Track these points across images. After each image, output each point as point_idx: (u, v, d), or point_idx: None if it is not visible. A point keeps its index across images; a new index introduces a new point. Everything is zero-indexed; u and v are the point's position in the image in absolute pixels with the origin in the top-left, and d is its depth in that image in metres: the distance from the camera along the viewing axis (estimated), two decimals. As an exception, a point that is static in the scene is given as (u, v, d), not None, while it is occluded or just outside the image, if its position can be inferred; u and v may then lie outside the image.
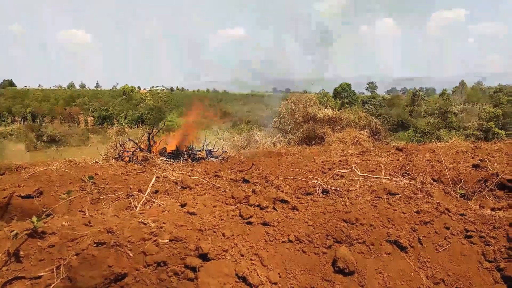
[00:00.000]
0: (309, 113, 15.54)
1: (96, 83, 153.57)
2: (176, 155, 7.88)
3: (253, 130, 16.01)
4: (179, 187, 4.41)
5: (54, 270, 1.99)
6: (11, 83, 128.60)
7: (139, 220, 2.40)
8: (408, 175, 4.70)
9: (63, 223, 2.37)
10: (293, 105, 16.42)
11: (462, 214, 3.05)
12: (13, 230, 2.14)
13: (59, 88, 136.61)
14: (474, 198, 4.09)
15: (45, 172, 5.06)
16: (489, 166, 4.98)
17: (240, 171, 5.92)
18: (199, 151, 8.45)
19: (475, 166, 5.19)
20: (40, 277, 1.95)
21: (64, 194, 3.60)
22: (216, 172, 5.55)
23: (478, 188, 4.38)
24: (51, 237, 2.20)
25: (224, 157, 8.33)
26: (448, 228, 2.86)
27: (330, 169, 5.69)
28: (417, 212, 3.00)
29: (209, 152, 8.58)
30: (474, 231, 2.89)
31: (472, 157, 6.30)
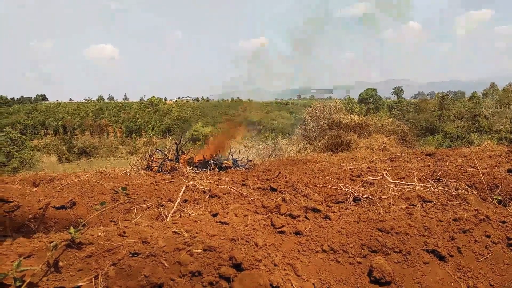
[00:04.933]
0: (335, 119, 15.40)
1: (124, 95, 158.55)
2: (203, 164, 7.97)
3: (277, 138, 16.01)
4: (207, 196, 4.43)
5: (93, 280, 2.03)
6: (44, 98, 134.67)
7: (173, 230, 2.42)
8: (441, 181, 4.54)
9: (99, 233, 2.43)
10: (317, 112, 16.32)
11: (503, 222, 2.91)
12: (53, 241, 2.20)
13: (89, 101, 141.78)
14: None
15: (78, 183, 5.22)
16: (525, 170, 4.76)
17: (267, 179, 5.90)
18: (226, 160, 8.52)
19: (510, 171, 4.96)
20: (79, 287, 1.99)
21: (98, 205, 3.69)
22: (243, 180, 5.56)
23: (515, 193, 4.19)
24: (88, 247, 2.25)
25: (250, 165, 8.36)
26: (489, 236, 2.74)
27: (358, 176, 5.58)
28: (455, 219, 2.89)
29: (235, 161, 8.63)
30: (516, 239, 2.76)
31: (507, 162, 6.04)
